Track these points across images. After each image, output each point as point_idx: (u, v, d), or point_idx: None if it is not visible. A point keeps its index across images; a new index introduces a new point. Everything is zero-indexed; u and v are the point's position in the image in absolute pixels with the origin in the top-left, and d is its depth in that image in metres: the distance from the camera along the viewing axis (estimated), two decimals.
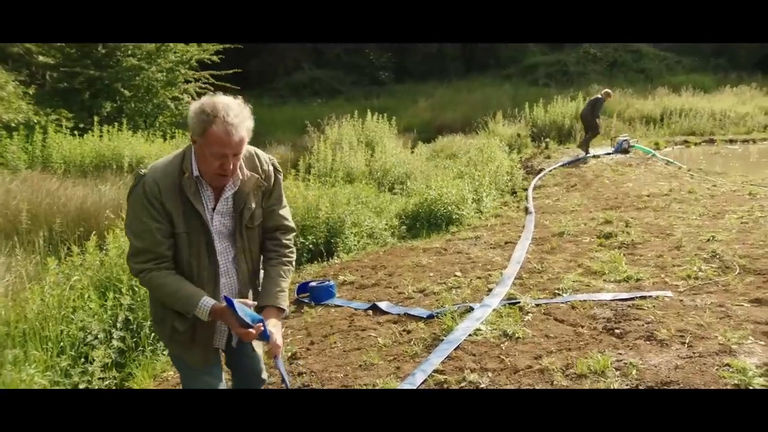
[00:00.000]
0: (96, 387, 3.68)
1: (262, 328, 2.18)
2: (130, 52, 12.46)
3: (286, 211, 2.50)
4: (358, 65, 25.16)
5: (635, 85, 21.89)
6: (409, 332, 4.23)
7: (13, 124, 9.95)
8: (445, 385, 3.38)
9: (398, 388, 3.35)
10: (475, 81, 24.52)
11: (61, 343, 3.83)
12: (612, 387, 3.15)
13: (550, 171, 11.61)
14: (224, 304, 2.17)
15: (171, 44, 12.90)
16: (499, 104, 18.69)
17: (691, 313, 4.02)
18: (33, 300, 3.99)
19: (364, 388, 3.47)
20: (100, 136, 10.19)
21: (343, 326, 4.49)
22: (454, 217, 8.19)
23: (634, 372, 3.27)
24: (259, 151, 2.44)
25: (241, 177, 2.29)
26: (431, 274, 5.57)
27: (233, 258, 2.38)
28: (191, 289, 2.23)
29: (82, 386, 3.62)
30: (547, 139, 15.63)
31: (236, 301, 2.14)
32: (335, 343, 4.18)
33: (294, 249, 2.51)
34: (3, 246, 5.58)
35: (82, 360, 3.83)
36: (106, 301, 4.14)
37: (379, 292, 5.24)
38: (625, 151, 13.13)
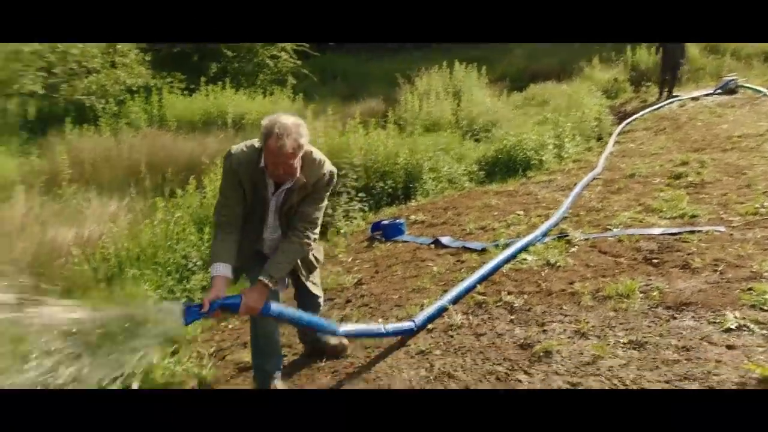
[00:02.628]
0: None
1: (219, 314, 2.74)
2: None
3: (318, 211, 3.02)
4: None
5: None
6: (463, 262, 4.66)
7: (134, 88, 10.97)
8: (479, 305, 3.80)
9: (440, 305, 3.77)
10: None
11: (168, 268, 4.57)
12: (631, 309, 3.43)
13: (642, 115, 11.35)
14: (217, 288, 2.74)
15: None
16: (600, 47, 18.06)
17: (736, 245, 4.16)
18: (146, 232, 4.75)
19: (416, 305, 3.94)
20: (207, 96, 11.07)
21: (406, 258, 4.97)
22: (532, 162, 8.40)
23: (656, 294, 3.54)
24: (326, 162, 2.99)
25: (297, 178, 2.86)
26: (495, 213, 5.91)
27: (275, 230, 3.06)
28: (220, 252, 2.85)
29: (182, 300, 4.34)
30: (649, 83, 15.02)
31: (219, 301, 2.69)
32: (396, 271, 4.68)
33: (309, 235, 2.98)
34: (125, 190, 6.48)
35: (185, 282, 4.56)
36: (203, 234, 4.84)
37: (445, 229, 5.66)
38: (732, 92, 12.46)
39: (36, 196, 6.41)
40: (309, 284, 3.26)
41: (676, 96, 12.76)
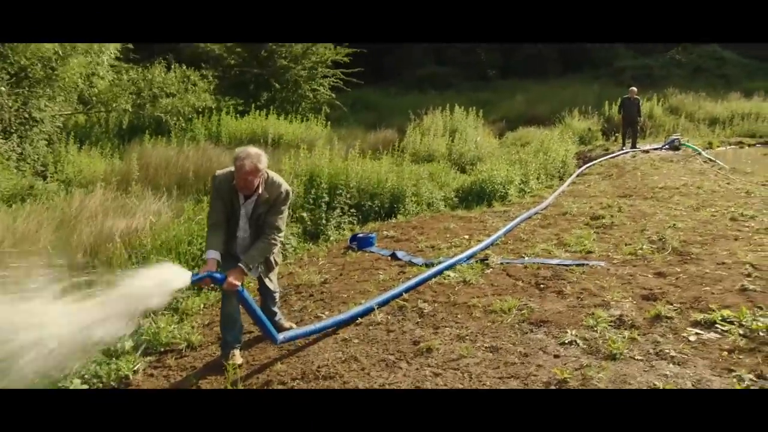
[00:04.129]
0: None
1: (209, 283, 3.21)
2: (283, 54, 13.91)
3: (279, 219, 3.46)
4: (469, 63, 25.28)
5: (716, 89, 20.24)
6: (404, 273, 5.06)
7: (200, 110, 11.62)
8: (400, 308, 4.20)
9: (373, 302, 4.16)
10: (568, 80, 23.77)
11: (186, 257, 5.08)
12: (504, 322, 3.81)
13: (599, 162, 11.56)
14: (208, 268, 3.20)
15: (313, 48, 14.16)
16: (585, 101, 18.19)
17: (605, 278, 4.50)
18: (174, 228, 5.28)
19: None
20: (255, 118, 11.65)
21: (366, 265, 5.39)
22: (498, 194, 8.73)
23: (526, 312, 3.91)
24: (283, 183, 3.48)
25: (259, 193, 3.36)
26: (447, 235, 6.29)
27: (245, 232, 3.50)
28: (211, 243, 3.33)
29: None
30: (617, 134, 15.18)
31: (210, 272, 3.16)
32: (354, 276, 5.10)
33: (274, 238, 3.43)
34: (174, 193, 7.04)
35: (197, 269, 5.04)
36: None
37: (405, 245, 6.06)
38: (676, 148, 12.64)
39: (110, 191, 7.01)
40: (266, 280, 3.71)
41: (637, 148, 12.92)
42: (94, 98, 10.56)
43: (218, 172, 3.47)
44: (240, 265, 3.26)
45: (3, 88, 7.90)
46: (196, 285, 3.21)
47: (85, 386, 3.38)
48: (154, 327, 4.05)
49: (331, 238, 6.53)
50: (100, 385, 3.42)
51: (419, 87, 23.10)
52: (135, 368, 3.58)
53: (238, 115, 11.84)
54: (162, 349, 3.87)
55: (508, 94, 21.91)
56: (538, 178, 9.88)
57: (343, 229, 6.80)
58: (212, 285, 3.32)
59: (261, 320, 3.38)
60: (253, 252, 3.37)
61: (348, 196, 7.11)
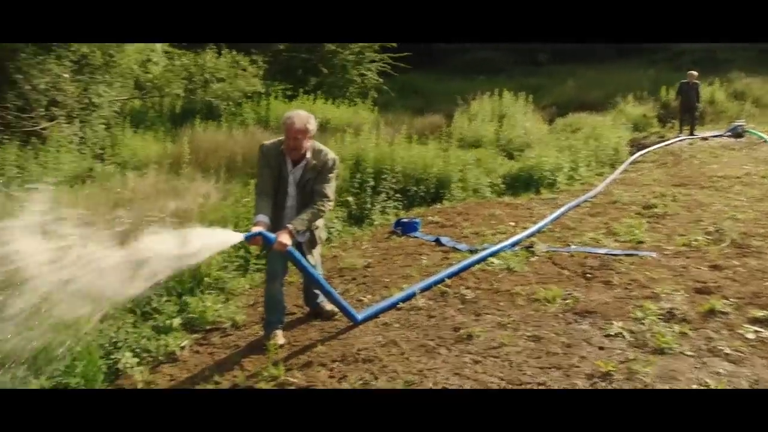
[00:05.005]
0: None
1: (261, 242, 3.23)
2: None
3: (327, 187, 3.49)
4: (520, 47, 24.59)
5: None
6: (448, 259, 5.02)
7: (249, 94, 11.81)
8: (442, 294, 4.17)
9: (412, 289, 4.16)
10: (623, 64, 22.81)
11: None
12: (548, 311, 3.73)
13: (654, 149, 11.09)
14: (259, 228, 3.23)
15: None
16: (639, 86, 17.44)
17: (656, 270, 4.33)
18: (221, 209, 5.42)
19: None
20: (303, 102, 11.74)
21: (410, 251, 5.38)
22: (547, 181, 8.51)
23: (571, 301, 3.82)
24: (329, 151, 3.52)
25: (307, 158, 3.39)
26: (493, 222, 6.19)
27: (293, 199, 3.52)
28: (260, 207, 3.39)
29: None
30: (673, 120, 14.50)
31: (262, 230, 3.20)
32: (397, 260, 5.10)
33: (323, 205, 3.46)
34: (222, 176, 7.22)
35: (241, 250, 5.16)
36: None
37: (450, 231, 6.00)
38: (739, 135, 11.94)
39: (162, 173, 7.24)
40: (309, 257, 3.68)
41: (695, 135, 12.32)
42: (148, 84, 10.89)
43: (265, 142, 3.56)
44: (288, 226, 3.30)
45: (66, 75, 8.24)
46: (249, 243, 3.29)
47: (136, 359, 3.52)
48: (201, 305, 4.18)
49: (376, 223, 6.54)
50: (150, 359, 3.56)
51: (468, 72, 22.69)
52: (182, 344, 3.71)
53: (286, 100, 11.96)
54: (207, 327, 3.99)
55: (559, 80, 21.22)
56: (588, 166, 9.57)
57: (388, 214, 6.80)
58: (264, 244, 3.33)
59: (314, 277, 3.46)
60: (303, 215, 3.40)
61: (393, 180, 7.09)
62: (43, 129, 7.91)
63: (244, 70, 11.81)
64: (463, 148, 9.65)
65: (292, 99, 12.00)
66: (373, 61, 15.03)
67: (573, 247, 5.04)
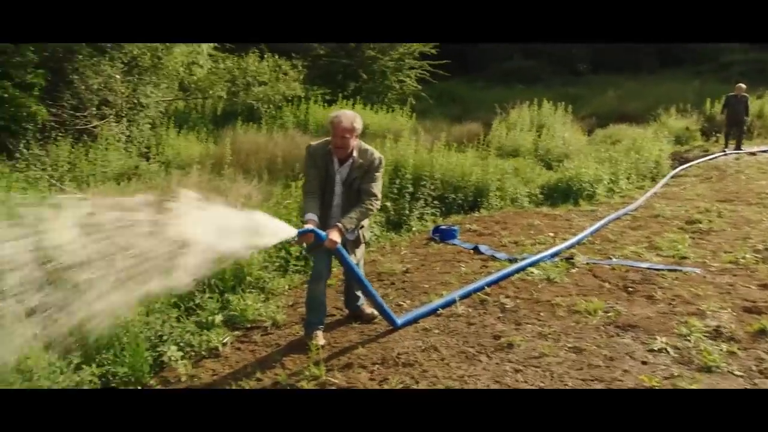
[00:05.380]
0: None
1: (312, 239, 3.25)
2: (371, 45, 14.09)
3: (374, 186, 3.53)
4: (559, 56, 24.36)
5: None
6: (486, 267, 5.01)
7: (289, 98, 12.02)
8: (482, 302, 4.17)
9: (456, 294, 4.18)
10: (665, 75, 22.32)
11: None
12: (589, 323, 3.69)
13: (697, 164, 10.81)
14: (310, 225, 3.28)
15: None
16: (683, 98, 17.05)
17: (701, 286, 4.23)
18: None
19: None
20: (342, 107, 11.88)
21: (448, 257, 5.38)
22: (586, 192, 8.39)
23: (612, 314, 3.76)
24: (374, 151, 3.57)
25: (353, 157, 3.44)
26: (531, 232, 6.15)
27: (340, 198, 3.57)
28: (309, 207, 3.45)
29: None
30: (718, 134, 14.10)
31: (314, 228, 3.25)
32: (436, 267, 5.11)
33: (371, 203, 3.51)
34: (262, 176, 7.37)
35: (283, 251, 5.25)
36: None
37: (488, 240, 5.98)
38: None
39: (205, 173, 7.43)
40: (352, 257, 3.70)
41: (742, 150, 11.97)
42: (192, 85, 11.21)
43: (312, 143, 3.61)
44: (338, 224, 3.35)
45: (118, 76, 8.55)
46: (300, 239, 3.35)
47: (180, 353, 3.62)
48: (242, 303, 4.27)
49: (414, 229, 6.56)
50: (193, 353, 3.66)
51: (506, 80, 22.57)
52: (224, 341, 3.80)
53: (325, 104, 12.14)
54: (248, 325, 4.08)
55: (599, 90, 20.92)
56: (628, 178, 9.39)
57: (426, 221, 6.81)
58: (315, 241, 3.37)
59: (359, 277, 3.51)
60: (352, 214, 3.44)
61: (432, 187, 7.11)
62: (94, 127, 8.21)
63: (285, 74, 12.06)
64: (501, 156, 9.63)
65: (331, 104, 12.17)
66: (412, 68, 15.13)
67: (614, 260, 4.96)
